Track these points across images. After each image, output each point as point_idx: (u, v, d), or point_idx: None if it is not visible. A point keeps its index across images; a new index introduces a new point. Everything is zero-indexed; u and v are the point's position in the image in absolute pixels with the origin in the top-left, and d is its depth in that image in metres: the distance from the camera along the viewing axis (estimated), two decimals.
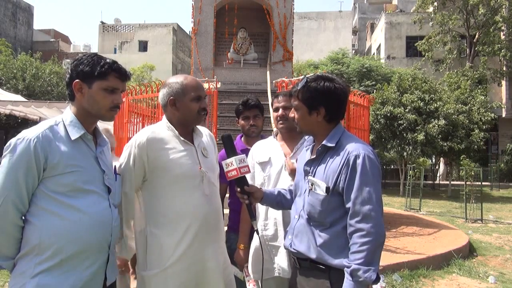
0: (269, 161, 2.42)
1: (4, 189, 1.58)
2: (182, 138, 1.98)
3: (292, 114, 1.87)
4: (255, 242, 2.44)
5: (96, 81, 1.72)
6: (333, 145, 1.78)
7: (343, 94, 1.81)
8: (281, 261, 2.28)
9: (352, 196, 1.67)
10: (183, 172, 1.92)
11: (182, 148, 1.96)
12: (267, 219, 2.35)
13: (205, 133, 2.15)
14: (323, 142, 1.80)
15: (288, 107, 2.41)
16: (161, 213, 1.91)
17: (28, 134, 1.63)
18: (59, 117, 1.75)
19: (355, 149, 1.72)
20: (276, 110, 2.48)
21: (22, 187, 1.59)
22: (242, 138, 2.98)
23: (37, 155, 1.60)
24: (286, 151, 2.42)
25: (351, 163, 1.69)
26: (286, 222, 2.29)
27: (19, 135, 1.64)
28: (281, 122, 2.44)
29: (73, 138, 1.70)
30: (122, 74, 1.77)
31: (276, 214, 2.33)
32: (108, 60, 1.75)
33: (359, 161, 1.68)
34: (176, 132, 1.98)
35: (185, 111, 1.98)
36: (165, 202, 1.91)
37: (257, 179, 2.43)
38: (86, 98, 1.73)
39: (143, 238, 1.93)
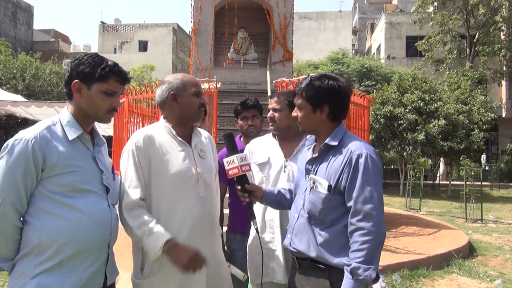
0: (268, 161, 2.40)
1: (2, 191, 1.57)
2: (179, 138, 1.96)
3: (295, 113, 1.87)
4: (251, 244, 2.43)
5: (95, 83, 1.70)
6: (336, 143, 1.78)
7: (347, 93, 1.82)
8: (277, 265, 2.27)
9: (354, 195, 1.67)
10: (178, 172, 1.90)
11: (179, 149, 1.94)
12: (263, 221, 2.34)
13: (204, 135, 2.14)
14: (326, 141, 1.80)
15: (276, 109, 2.42)
16: (156, 216, 1.88)
17: (25, 135, 1.61)
18: (56, 117, 1.74)
19: (358, 148, 1.72)
20: (268, 111, 2.48)
21: (21, 188, 1.58)
22: (242, 138, 2.98)
23: (35, 155, 1.59)
24: (286, 152, 2.40)
25: (353, 162, 1.69)
26: (283, 225, 2.28)
27: (16, 136, 1.62)
28: (270, 124, 2.45)
29: (70, 138, 1.68)
30: (123, 78, 1.76)
31: (272, 217, 2.32)
32: (109, 63, 1.73)
33: (362, 160, 1.69)
34: (173, 131, 1.96)
35: (186, 105, 1.97)
36: (159, 203, 1.89)
37: (255, 179, 2.42)
38: (84, 99, 1.72)
39: (138, 246, 1.91)
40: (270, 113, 2.44)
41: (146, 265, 1.88)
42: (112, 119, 7.53)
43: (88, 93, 1.71)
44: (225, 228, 2.86)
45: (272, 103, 2.45)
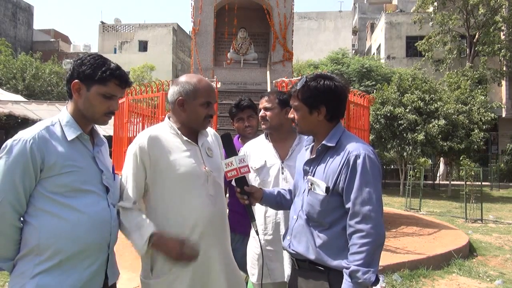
0: (265, 165, 2.39)
1: (1, 191, 1.57)
2: (185, 138, 1.93)
3: (292, 114, 1.85)
4: (251, 244, 2.43)
5: (95, 85, 1.69)
6: (333, 145, 1.76)
7: (343, 93, 1.80)
8: (280, 266, 2.26)
9: (352, 196, 1.65)
10: (186, 171, 1.87)
11: (185, 148, 1.91)
12: (266, 223, 2.34)
13: (210, 133, 2.11)
14: (323, 142, 1.78)
15: (268, 108, 2.43)
16: (165, 216, 1.87)
17: (24, 135, 1.61)
18: (56, 118, 1.73)
19: (356, 149, 1.70)
20: (260, 110, 2.50)
21: (19, 188, 1.58)
22: (240, 139, 2.98)
23: (34, 156, 1.58)
24: (282, 154, 2.40)
25: (351, 163, 1.67)
26: (286, 226, 2.27)
27: (15, 136, 1.62)
28: (262, 122, 2.45)
29: (69, 138, 1.68)
30: (123, 82, 1.74)
31: (275, 217, 2.31)
32: (111, 66, 1.71)
33: (359, 161, 1.67)
34: (179, 132, 1.94)
35: (192, 114, 1.94)
36: (168, 204, 1.87)
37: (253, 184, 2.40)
38: (82, 99, 1.71)
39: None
40: (261, 112, 2.46)
41: (156, 264, 1.86)
42: (113, 119, 7.57)
43: (86, 94, 1.70)
44: None
45: (263, 102, 2.47)
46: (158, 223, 1.87)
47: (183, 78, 1.99)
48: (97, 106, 1.71)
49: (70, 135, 1.69)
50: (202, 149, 1.98)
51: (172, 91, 1.97)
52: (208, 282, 1.88)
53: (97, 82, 1.69)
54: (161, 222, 1.87)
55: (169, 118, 2.01)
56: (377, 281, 1.62)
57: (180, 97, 1.93)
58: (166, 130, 1.96)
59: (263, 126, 2.47)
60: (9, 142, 1.61)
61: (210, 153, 2.01)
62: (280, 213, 2.30)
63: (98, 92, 1.70)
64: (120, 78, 1.72)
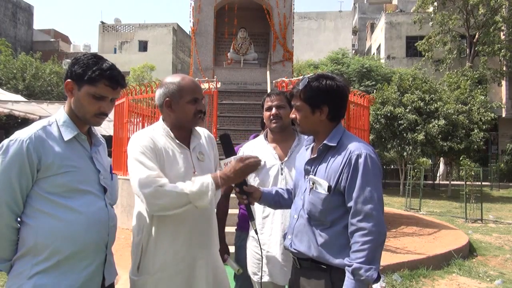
0: (264, 166, 2.37)
1: None
2: (177, 141, 1.93)
3: (293, 114, 1.85)
4: (251, 244, 2.43)
5: (85, 85, 1.67)
6: (335, 144, 1.77)
7: (345, 92, 1.82)
8: (275, 266, 2.26)
9: (354, 195, 1.67)
10: (175, 175, 1.85)
11: (178, 151, 1.91)
12: (263, 222, 2.33)
13: (203, 135, 2.09)
14: (325, 142, 1.79)
15: (281, 106, 2.39)
16: (155, 218, 1.86)
17: (20, 135, 1.60)
18: (52, 117, 1.72)
19: (357, 148, 1.71)
20: (268, 109, 2.43)
21: (16, 188, 1.58)
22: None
23: (30, 156, 1.58)
24: (280, 154, 2.39)
25: (353, 162, 1.69)
26: (282, 226, 2.27)
27: (12, 136, 1.61)
28: (274, 121, 2.40)
29: (66, 139, 1.67)
30: (114, 83, 1.70)
31: (272, 217, 2.30)
32: (103, 66, 1.67)
33: (361, 161, 1.68)
34: (171, 134, 1.93)
35: (181, 113, 1.91)
36: None
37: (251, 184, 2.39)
38: (74, 99, 1.70)
39: (138, 244, 1.90)
40: (274, 110, 2.40)
41: (142, 263, 1.87)
42: (113, 119, 7.56)
43: (77, 95, 1.69)
44: (234, 228, 2.87)
45: (275, 101, 2.42)
46: (148, 225, 1.86)
47: (167, 79, 1.97)
48: (87, 106, 1.69)
49: (67, 135, 1.68)
50: (193, 153, 1.96)
51: (158, 94, 1.95)
52: (194, 283, 1.88)
53: (86, 82, 1.66)
54: (151, 223, 1.86)
55: (163, 120, 1.99)
56: (378, 278, 1.64)
57: (166, 98, 1.91)
58: (159, 132, 1.94)
59: (274, 125, 2.40)
60: (5, 142, 1.60)
61: (201, 157, 1.99)
62: (278, 214, 2.29)
63: (88, 92, 1.67)
64: (110, 79, 1.68)
